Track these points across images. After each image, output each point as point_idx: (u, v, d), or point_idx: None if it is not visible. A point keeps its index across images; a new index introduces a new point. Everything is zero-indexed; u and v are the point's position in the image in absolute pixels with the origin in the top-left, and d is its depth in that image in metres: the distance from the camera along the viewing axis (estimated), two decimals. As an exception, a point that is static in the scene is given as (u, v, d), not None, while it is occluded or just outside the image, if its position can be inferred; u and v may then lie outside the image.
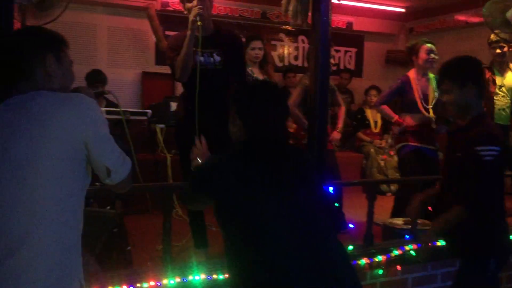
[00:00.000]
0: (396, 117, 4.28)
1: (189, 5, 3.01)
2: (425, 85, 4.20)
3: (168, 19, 6.43)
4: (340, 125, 4.48)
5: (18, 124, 1.46)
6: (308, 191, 1.77)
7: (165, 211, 2.61)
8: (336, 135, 4.42)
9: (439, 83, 2.44)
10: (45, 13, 3.43)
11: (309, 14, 3.09)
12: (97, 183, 1.76)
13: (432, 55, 4.15)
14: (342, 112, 4.58)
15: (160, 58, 6.53)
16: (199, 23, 2.92)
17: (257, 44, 4.03)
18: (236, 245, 1.69)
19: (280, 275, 1.57)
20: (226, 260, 1.75)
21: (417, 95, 4.16)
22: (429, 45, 4.15)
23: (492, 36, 4.43)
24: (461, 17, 7.33)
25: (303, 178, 1.79)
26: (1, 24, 2.08)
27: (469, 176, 2.19)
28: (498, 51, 4.48)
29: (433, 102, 4.16)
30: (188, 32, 2.95)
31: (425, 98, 4.18)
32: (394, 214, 4.17)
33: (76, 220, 1.53)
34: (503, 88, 4.56)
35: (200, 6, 2.94)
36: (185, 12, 3.12)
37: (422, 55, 4.14)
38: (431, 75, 4.23)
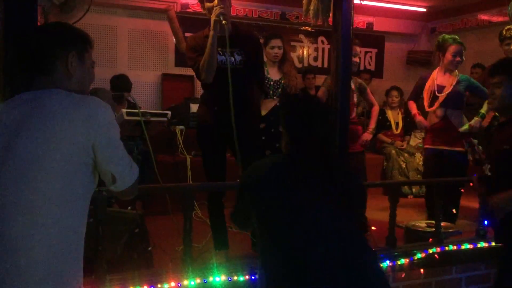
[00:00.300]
0: (417, 115, 4.24)
1: (208, 4, 3.00)
2: (445, 79, 4.15)
3: (188, 21, 6.45)
4: (372, 125, 4.29)
5: (30, 120, 1.44)
6: (348, 217, 1.77)
7: (185, 212, 2.60)
8: (367, 136, 4.24)
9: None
10: (67, 15, 3.46)
11: (331, 14, 3.06)
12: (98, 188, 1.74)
13: (458, 58, 4.09)
14: (375, 111, 4.38)
15: (180, 60, 6.55)
16: (224, 22, 2.89)
17: (277, 42, 3.96)
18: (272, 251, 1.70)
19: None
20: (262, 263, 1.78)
21: (431, 85, 4.15)
22: (458, 45, 4.07)
23: (505, 31, 4.28)
24: (484, 17, 7.19)
25: (346, 204, 1.78)
26: (25, 25, 2.09)
27: None
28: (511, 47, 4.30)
29: (448, 94, 4.09)
30: (211, 32, 2.93)
31: (440, 89, 4.13)
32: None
33: (79, 224, 1.50)
34: None
35: (221, 5, 2.92)
36: (203, 11, 3.11)
37: (449, 55, 4.09)
38: (457, 73, 4.17)
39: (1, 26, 2.06)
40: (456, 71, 4.18)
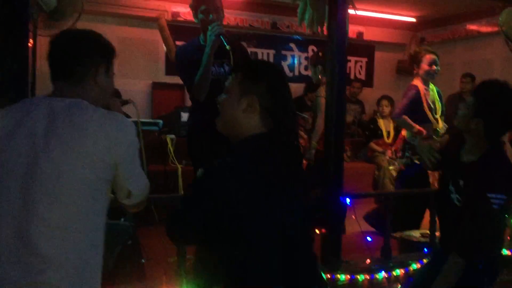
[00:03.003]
0: (417, 127, 4.18)
1: (202, 17, 2.92)
2: (430, 95, 4.11)
3: (179, 29, 6.42)
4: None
5: (59, 133, 1.42)
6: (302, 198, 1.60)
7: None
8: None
9: (472, 101, 2.12)
10: (57, 23, 3.42)
11: (325, 23, 3.05)
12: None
13: (435, 67, 4.02)
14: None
15: (170, 68, 6.51)
16: (228, 47, 2.78)
17: None
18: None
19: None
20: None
21: (426, 105, 4.08)
22: (432, 55, 4.01)
23: None
24: (473, 27, 7.27)
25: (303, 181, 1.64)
26: (16, 33, 2.05)
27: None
28: None
29: (440, 112, 4.09)
30: (208, 51, 2.82)
31: (433, 108, 4.10)
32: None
33: (100, 240, 1.50)
34: None
35: (219, 23, 2.84)
36: (195, 21, 3.06)
37: (424, 65, 4.02)
38: (432, 86, 4.15)
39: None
40: (431, 84, 4.12)
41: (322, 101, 4.20)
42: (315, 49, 7.70)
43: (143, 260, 2.79)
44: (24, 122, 1.45)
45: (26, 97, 2.14)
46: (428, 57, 4.00)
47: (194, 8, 3.01)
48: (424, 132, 4.15)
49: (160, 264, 3.19)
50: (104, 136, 1.45)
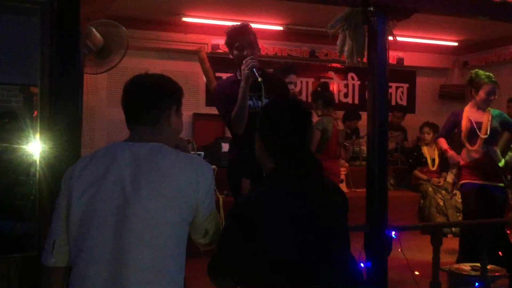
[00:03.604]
0: (448, 150, 4.18)
1: (237, 52, 2.97)
2: (479, 115, 4.09)
3: (219, 61, 6.54)
4: None
5: (147, 180, 1.47)
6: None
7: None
8: None
9: None
10: (104, 60, 3.54)
11: (365, 52, 3.03)
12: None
13: (492, 97, 4.04)
14: None
15: (211, 99, 6.61)
16: (259, 79, 2.82)
17: (294, 78, 3.87)
18: None
19: None
20: None
21: (468, 123, 4.07)
22: (493, 85, 4.01)
23: None
24: (517, 49, 7.07)
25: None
26: (70, 71, 2.15)
27: None
28: None
29: (488, 132, 4.02)
30: (243, 84, 2.87)
31: (478, 127, 4.05)
32: (461, 259, 3.94)
33: (182, 279, 1.54)
34: None
35: (252, 56, 2.89)
36: (230, 57, 3.11)
37: (482, 94, 4.03)
38: (489, 109, 4.12)
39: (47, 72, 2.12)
40: (488, 107, 4.12)
41: (317, 133, 4.43)
42: (354, 76, 7.67)
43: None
44: (112, 168, 1.50)
45: (79, 134, 2.25)
46: (488, 86, 4.01)
47: (229, 45, 3.07)
48: (457, 157, 4.10)
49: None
50: (188, 180, 1.51)
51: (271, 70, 3.93)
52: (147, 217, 1.44)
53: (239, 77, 3.06)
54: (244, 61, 2.87)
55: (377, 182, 2.86)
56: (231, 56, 3.10)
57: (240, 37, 2.99)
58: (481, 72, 4.13)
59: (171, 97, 1.64)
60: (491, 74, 4.11)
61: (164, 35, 6.46)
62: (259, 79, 2.83)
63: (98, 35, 3.31)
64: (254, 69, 2.84)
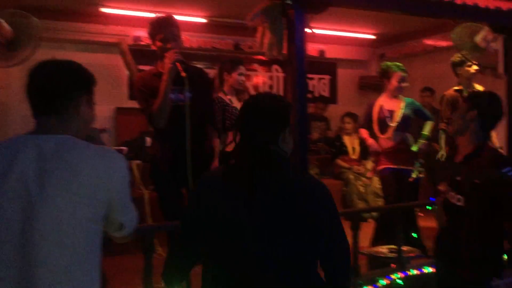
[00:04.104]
0: (367, 138, 4.45)
1: (160, 44, 2.93)
2: (393, 103, 4.34)
3: (141, 53, 6.38)
4: None
5: (53, 176, 1.38)
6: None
7: (146, 254, 2.51)
8: None
9: (469, 108, 2.40)
10: (15, 53, 3.35)
11: (284, 45, 3.09)
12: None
13: (403, 84, 4.31)
14: None
15: (134, 93, 6.45)
16: (183, 74, 2.82)
17: (243, 70, 3.84)
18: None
19: None
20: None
21: (380, 113, 4.34)
22: (402, 73, 4.29)
23: (460, 56, 4.45)
24: (429, 42, 7.49)
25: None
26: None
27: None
28: (473, 70, 4.46)
29: (399, 119, 4.28)
30: (165, 78, 2.84)
31: (391, 115, 4.32)
32: (375, 241, 4.15)
33: (98, 277, 1.47)
34: None
35: (176, 50, 2.86)
36: (153, 48, 3.05)
37: (394, 82, 4.30)
38: (402, 97, 4.38)
39: None
40: (401, 95, 4.38)
41: None
42: (279, 68, 7.79)
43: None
44: (14, 164, 1.39)
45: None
46: (398, 74, 4.29)
47: (153, 36, 3.01)
48: (376, 145, 4.33)
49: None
50: (99, 175, 1.43)
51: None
52: (55, 216, 1.37)
53: (160, 70, 3.01)
54: (167, 55, 2.83)
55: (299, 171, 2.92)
56: (153, 47, 3.05)
57: (164, 29, 2.95)
58: (390, 63, 4.44)
59: (81, 85, 1.54)
60: (400, 64, 4.40)
61: (82, 27, 6.21)
62: (183, 74, 2.81)
63: (6, 26, 3.13)
64: (177, 64, 2.82)
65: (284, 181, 1.63)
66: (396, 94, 4.34)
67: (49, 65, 1.54)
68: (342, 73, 8.36)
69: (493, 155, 2.38)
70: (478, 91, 3.29)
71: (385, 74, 4.37)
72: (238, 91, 3.92)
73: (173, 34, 2.94)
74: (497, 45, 4.38)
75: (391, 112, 4.31)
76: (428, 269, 3.41)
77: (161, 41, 2.94)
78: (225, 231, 1.60)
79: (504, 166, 2.25)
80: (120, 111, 6.61)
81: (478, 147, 2.36)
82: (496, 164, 2.28)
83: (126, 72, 6.36)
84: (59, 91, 1.49)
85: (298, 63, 2.95)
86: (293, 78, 2.99)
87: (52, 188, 1.38)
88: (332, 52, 7.95)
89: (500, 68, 4.83)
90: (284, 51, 3.11)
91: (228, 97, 3.84)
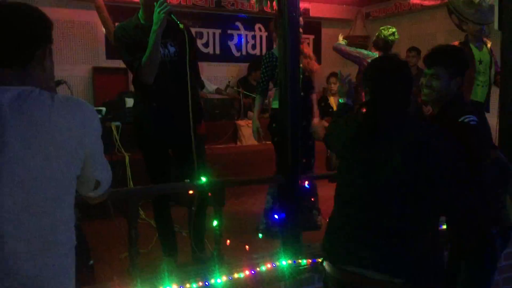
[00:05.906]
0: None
1: None
2: None
3: (118, 10, 6.07)
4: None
5: (17, 132, 1.19)
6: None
7: (130, 219, 2.36)
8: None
9: (427, 66, 2.28)
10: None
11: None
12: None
13: None
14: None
15: (112, 52, 6.17)
16: (181, 25, 2.68)
17: None
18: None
19: None
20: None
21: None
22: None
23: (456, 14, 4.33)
24: (416, 1, 7.32)
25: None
26: None
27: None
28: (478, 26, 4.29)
29: None
30: (156, 28, 2.66)
31: None
32: None
33: (71, 240, 1.31)
34: (482, 64, 4.46)
35: (168, 1, 2.69)
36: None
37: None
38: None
39: None
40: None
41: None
42: (262, 27, 7.54)
43: (91, 262, 2.57)
44: None
45: None
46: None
47: None
48: None
49: (109, 263, 2.98)
50: (69, 129, 1.24)
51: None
52: (22, 180, 1.18)
53: (143, 22, 2.82)
54: (158, 4, 2.65)
55: (290, 131, 2.78)
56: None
57: None
58: (385, 32, 4.44)
59: (42, 33, 1.32)
60: (392, 29, 4.40)
61: (54, -20, 5.85)
62: (181, 25, 2.66)
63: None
64: (172, 15, 2.66)
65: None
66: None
67: (4, 9, 1.30)
68: (327, 33, 8.16)
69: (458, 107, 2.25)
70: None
71: (384, 46, 4.44)
72: None
73: None
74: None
75: None
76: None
77: None
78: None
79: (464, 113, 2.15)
80: (97, 71, 6.33)
81: (446, 103, 2.24)
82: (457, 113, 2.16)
83: (102, 30, 6.07)
84: (23, 40, 1.28)
85: (290, 16, 2.76)
86: (284, 32, 2.79)
87: (15, 146, 1.19)
88: (316, 11, 7.73)
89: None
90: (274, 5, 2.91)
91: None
